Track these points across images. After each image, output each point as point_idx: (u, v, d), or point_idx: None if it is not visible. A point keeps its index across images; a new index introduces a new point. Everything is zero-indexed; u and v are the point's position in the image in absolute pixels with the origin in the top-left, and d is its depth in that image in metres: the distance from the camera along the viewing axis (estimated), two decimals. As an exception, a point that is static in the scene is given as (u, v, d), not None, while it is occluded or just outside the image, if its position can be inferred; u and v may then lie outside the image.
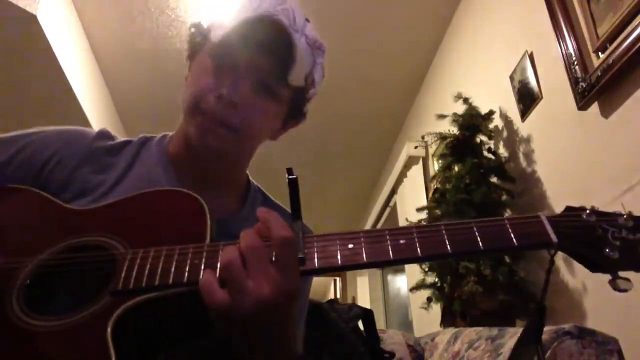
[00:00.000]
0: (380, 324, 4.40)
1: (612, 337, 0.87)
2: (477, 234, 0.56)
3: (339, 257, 0.55)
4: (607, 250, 0.54)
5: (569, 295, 1.61)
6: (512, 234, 0.56)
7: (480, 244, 0.55)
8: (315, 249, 0.56)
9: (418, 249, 0.55)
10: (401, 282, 4.18)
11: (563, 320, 1.59)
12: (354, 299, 5.32)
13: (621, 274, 0.53)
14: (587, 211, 0.58)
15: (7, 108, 2.73)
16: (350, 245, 0.56)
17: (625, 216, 0.56)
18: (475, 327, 1.27)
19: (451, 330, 1.38)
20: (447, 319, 1.96)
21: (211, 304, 0.50)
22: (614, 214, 0.57)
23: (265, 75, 0.76)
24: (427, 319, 2.46)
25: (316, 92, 0.86)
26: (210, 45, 0.77)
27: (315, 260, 0.55)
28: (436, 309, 2.11)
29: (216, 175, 0.83)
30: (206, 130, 0.75)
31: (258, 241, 0.52)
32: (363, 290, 5.06)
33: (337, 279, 6.17)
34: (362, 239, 0.56)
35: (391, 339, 1.42)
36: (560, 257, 1.69)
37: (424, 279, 2.09)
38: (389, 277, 4.72)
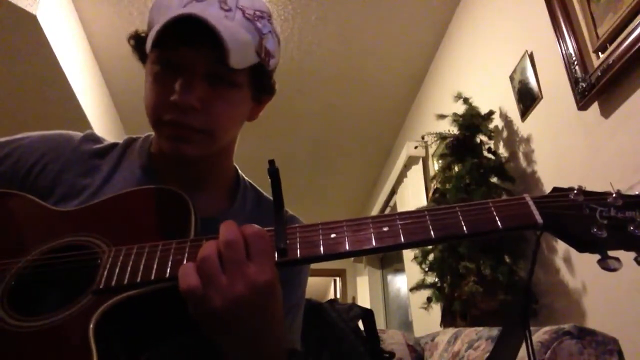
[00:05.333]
0: (380, 324, 4.40)
1: (612, 337, 0.87)
2: (461, 218, 0.55)
3: (321, 247, 0.55)
4: (595, 229, 0.52)
5: (569, 295, 1.61)
6: (496, 217, 0.54)
7: (465, 229, 0.54)
8: (298, 240, 0.55)
9: (401, 236, 0.54)
10: (401, 282, 4.17)
11: (563, 320, 1.60)
12: (354, 299, 5.32)
13: (611, 253, 0.51)
14: (575, 191, 0.56)
15: (7, 108, 2.74)
16: (333, 235, 0.55)
17: (614, 195, 0.54)
18: (475, 327, 1.27)
19: (451, 330, 1.38)
20: (447, 319, 1.96)
21: (184, 290, 0.50)
22: (603, 193, 0.55)
23: (210, 66, 0.71)
24: (427, 319, 2.46)
25: (278, 59, 0.80)
26: (150, 53, 0.73)
27: (298, 250, 0.55)
28: (436, 309, 2.11)
29: (199, 174, 0.82)
30: (178, 139, 0.72)
31: (237, 235, 0.52)
32: (363, 290, 5.06)
33: (337, 279, 6.17)
34: (345, 228, 0.56)
35: (391, 339, 1.42)
36: (560, 257, 1.69)
37: (424, 279, 2.09)
38: (389, 277, 4.72)
